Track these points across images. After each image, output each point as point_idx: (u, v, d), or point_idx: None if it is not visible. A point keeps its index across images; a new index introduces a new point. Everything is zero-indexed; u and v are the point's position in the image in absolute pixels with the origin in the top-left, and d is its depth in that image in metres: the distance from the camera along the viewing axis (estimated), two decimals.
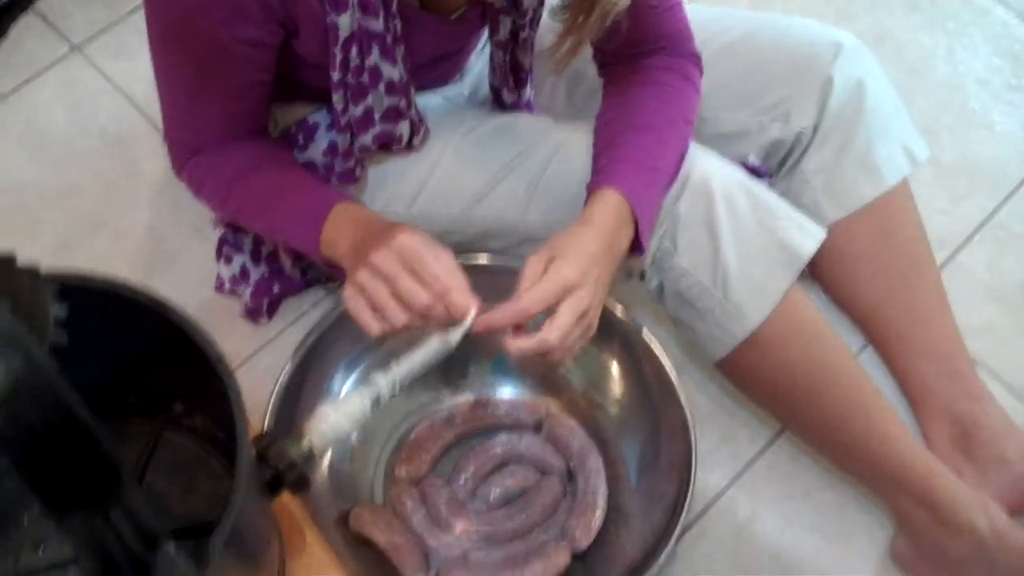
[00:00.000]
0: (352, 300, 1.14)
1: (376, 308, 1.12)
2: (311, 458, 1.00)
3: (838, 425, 1.37)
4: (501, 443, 1.45)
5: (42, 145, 1.74)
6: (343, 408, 1.04)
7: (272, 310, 1.58)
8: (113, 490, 0.57)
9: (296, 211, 1.26)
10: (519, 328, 1.14)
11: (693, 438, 1.36)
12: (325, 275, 1.58)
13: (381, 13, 1.17)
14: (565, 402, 1.50)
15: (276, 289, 1.56)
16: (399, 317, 1.12)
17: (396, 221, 1.20)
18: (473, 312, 1.12)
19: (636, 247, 1.24)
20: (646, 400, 1.44)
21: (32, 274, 0.59)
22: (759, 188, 1.33)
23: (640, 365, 1.44)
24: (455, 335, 1.12)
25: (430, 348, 1.10)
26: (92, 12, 1.83)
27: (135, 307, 0.76)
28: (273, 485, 0.94)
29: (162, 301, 0.75)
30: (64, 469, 0.54)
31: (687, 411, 1.37)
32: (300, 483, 0.97)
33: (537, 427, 1.47)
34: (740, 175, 1.34)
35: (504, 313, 1.12)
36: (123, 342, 0.79)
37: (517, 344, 1.13)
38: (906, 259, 1.49)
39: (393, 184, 1.39)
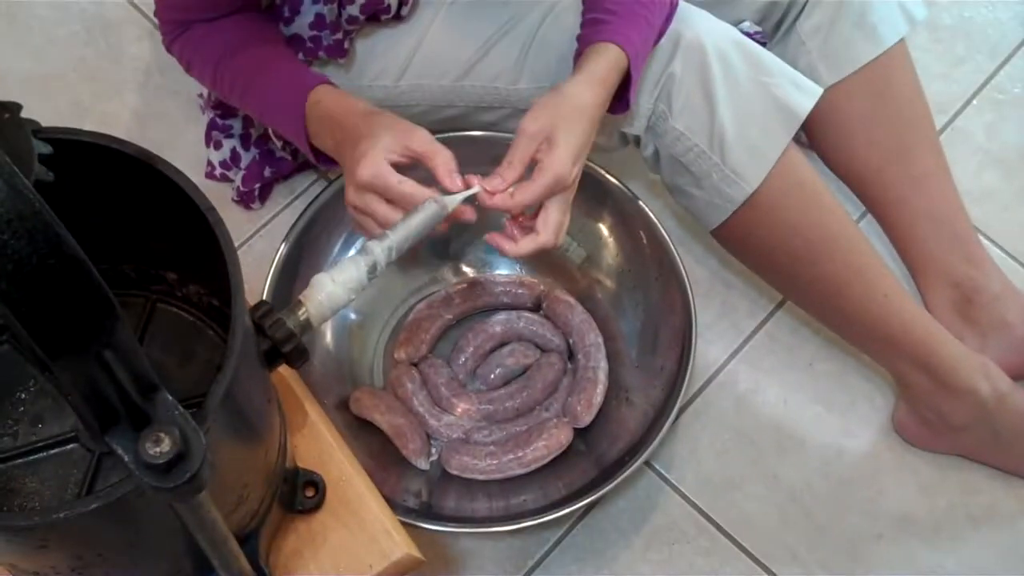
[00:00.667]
0: (353, 224, 1.20)
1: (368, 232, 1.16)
2: (309, 328, 0.98)
3: (837, 290, 1.36)
4: (500, 322, 1.44)
5: (22, 32, 1.70)
6: (339, 277, 1.01)
7: (264, 195, 1.56)
8: (108, 327, 0.55)
9: (277, 103, 1.26)
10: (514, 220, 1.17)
11: (693, 311, 1.35)
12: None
13: None
14: (563, 279, 1.48)
15: (267, 173, 1.53)
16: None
17: (360, 108, 1.20)
18: (475, 184, 1.12)
19: (621, 105, 1.22)
20: (644, 274, 1.43)
21: (13, 107, 0.57)
22: (754, 47, 1.30)
23: (638, 238, 1.42)
24: (451, 200, 1.10)
25: (426, 213, 1.08)
26: None
27: (124, 162, 0.73)
28: (271, 356, 0.93)
29: (152, 154, 0.73)
30: (56, 304, 0.52)
31: (687, 284, 1.36)
32: (298, 354, 0.95)
33: (536, 305, 1.46)
34: (734, 33, 1.30)
35: (496, 202, 1.13)
36: (114, 203, 0.77)
37: (517, 249, 1.16)
38: (904, 122, 1.47)
39: (381, 57, 1.35)
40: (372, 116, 1.18)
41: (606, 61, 1.17)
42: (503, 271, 1.49)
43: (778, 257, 1.36)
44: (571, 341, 1.43)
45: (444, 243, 1.48)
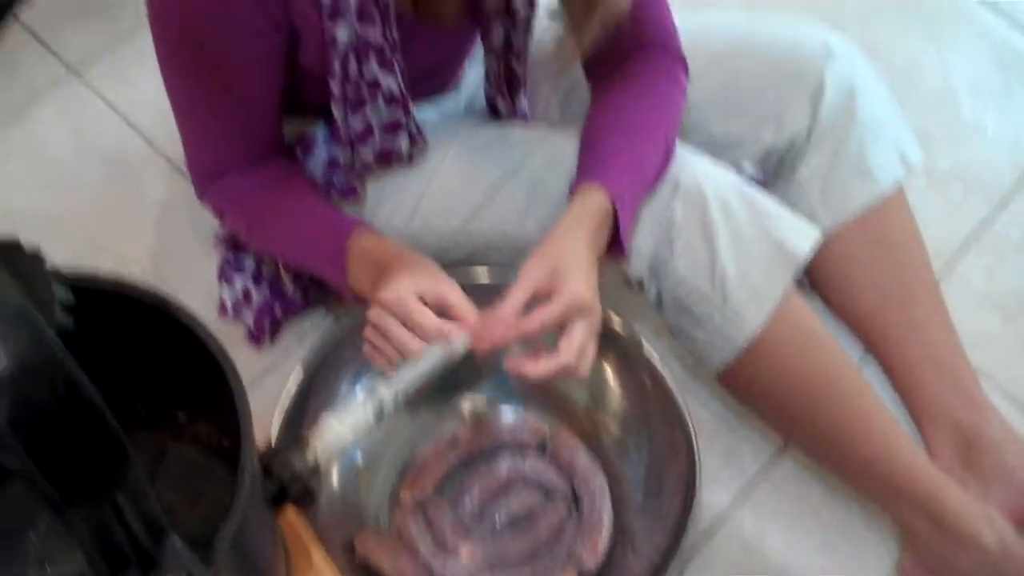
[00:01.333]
0: (369, 352, 1.20)
1: (379, 356, 1.18)
2: (316, 470, 0.99)
3: (840, 434, 1.37)
4: (505, 464, 1.44)
5: (42, 170, 1.74)
6: (347, 419, 1.03)
7: (275, 332, 1.58)
8: (121, 472, 0.57)
9: (314, 250, 1.30)
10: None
11: (697, 456, 1.35)
12: (326, 296, 1.59)
13: (378, 21, 1.18)
14: (567, 420, 1.49)
15: (278, 311, 1.56)
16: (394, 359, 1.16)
17: (401, 250, 1.23)
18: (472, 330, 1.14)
19: (616, 247, 1.25)
20: (649, 417, 1.44)
21: (37, 258, 0.59)
22: (752, 190, 1.34)
23: (642, 381, 1.43)
24: (459, 345, 1.12)
25: (433, 358, 1.10)
26: (86, 28, 1.84)
27: (140, 307, 0.76)
28: (278, 498, 0.94)
29: (167, 299, 0.75)
30: (73, 450, 0.54)
31: (691, 428, 1.36)
32: (305, 496, 0.96)
33: (541, 447, 1.47)
34: (732, 177, 1.34)
35: (510, 332, 1.13)
36: (128, 344, 0.79)
37: (537, 369, 1.14)
38: (903, 266, 1.50)
39: (392, 199, 1.39)
40: (412, 257, 1.21)
41: (592, 202, 1.21)
42: (509, 412, 1.50)
43: (781, 400, 1.38)
44: (576, 484, 1.43)
45: (451, 379, 1.49)
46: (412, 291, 1.14)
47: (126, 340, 0.79)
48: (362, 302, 1.25)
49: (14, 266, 0.57)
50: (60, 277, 0.62)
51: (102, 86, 1.80)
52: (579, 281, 1.15)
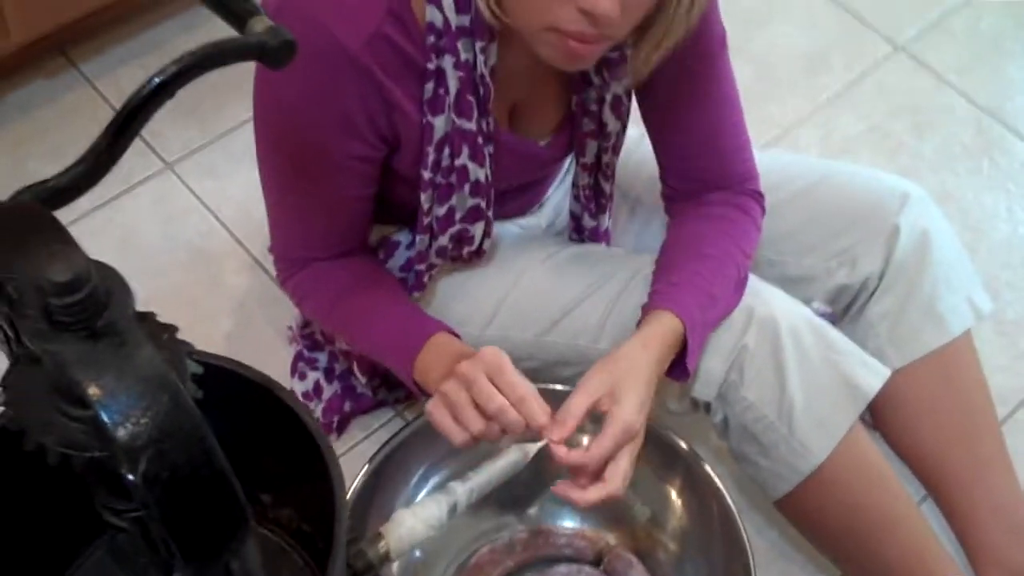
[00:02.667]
0: (435, 407, 1.20)
1: (455, 413, 1.18)
2: (387, 561, 1.02)
3: (895, 573, 1.37)
4: (560, 574, 1.46)
5: (130, 255, 1.80)
6: (420, 514, 1.06)
7: (342, 427, 1.61)
8: (240, 539, 0.59)
9: (393, 337, 1.32)
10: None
11: None
12: (395, 397, 1.62)
13: (474, 114, 1.23)
14: (625, 536, 1.50)
15: (347, 407, 1.59)
16: (475, 423, 1.17)
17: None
18: (549, 431, 1.16)
19: (681, 371, 1.28)
20: (708, 540, 1.44)
21: (171, 329, 0.63)
22: (824, 325, 1.36)
23: (706, 505, 1.44)
24: (533, 448, 1.15)
25: (508, 459, 1.13)
26: (185, 132, 1.92)
27: (244, 386, 0.79)
28: None
29: (272, 380, 0.79)
30: (201, 512, 0.57)
31: (749, 555, 1.37)
32: None
33: (596, 560, 1.48)
34: (806, 311, 1.37)
35: (573, 458, 1.18)
36: (233, 423, 0.82)
37: (585, 497, 1.19)
38: (968, 409, 1.51)
39: (467, 302, 1.43)
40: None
41: (660, 326, 1.25)
42: (567, 523, 1.51)
43: (838, 533, 1.39)
44: None
45: (512, 489, 1.51)
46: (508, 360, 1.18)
47: (231, 417, 0.82)
48: (422, 393, 1.28)
49: (152, 336, 0.61)
50: (189, 350, 0.65)
51: (193, 181, 1.87)
52: (632, 407, 1.19)
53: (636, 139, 1.55)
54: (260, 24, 0.83)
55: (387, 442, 1.42)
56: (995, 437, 1.52)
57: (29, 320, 0.60)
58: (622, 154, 1.51)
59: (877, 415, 1.54)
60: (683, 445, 1.44)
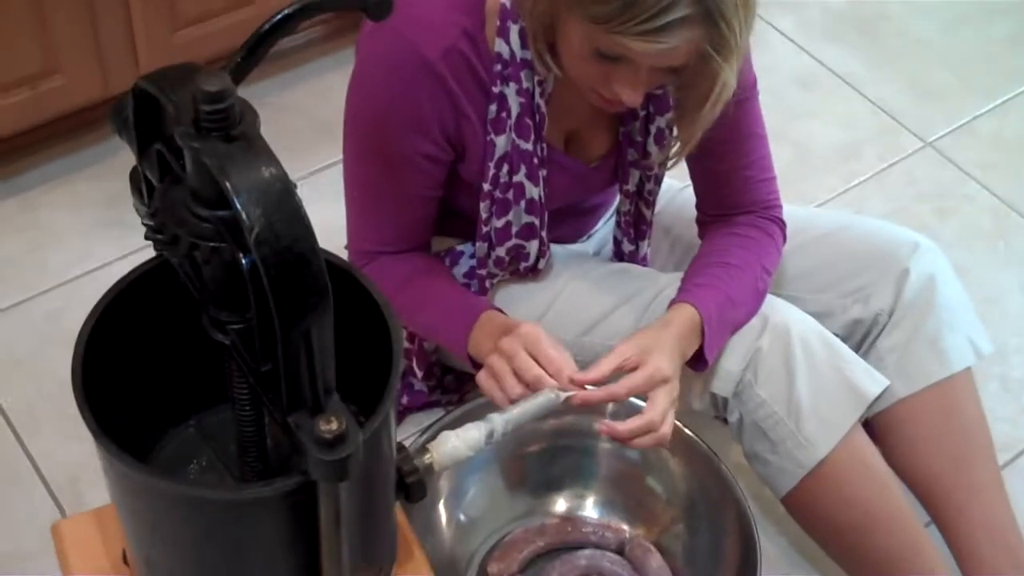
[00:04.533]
0: (484, 378, 1.40)
1: (499, 382, 1.36)
2: (431, 471, 1.18)
3: (891, 564, 1.51)
4: (585, 556, 1.61)
5: None
6: (463, 435, 1.22)
7: (398, 421, 1.79)
8: (322, 308, 0.80)
9: (448, 316, 1.51)
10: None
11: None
12: (447, 399, 1.80)
13: (532, 137, 1.44)
14: (648, 530, 1.65)
15: (404, 401, 1.77)
16: (516, 389, 1.35)
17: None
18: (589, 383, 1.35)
19: (700, 362, 1.46)
20: (723, 540, 1.59)
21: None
22: (832, 338, 1.53)
23: (721, 504, 1.59)
24: (564, 393, 1.32)
25: (542, 399, 1.29)
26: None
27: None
28: (397, 484, 1.13)
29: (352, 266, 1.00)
30: (295, 277, 0.77)
31: (758, 559, 1.51)
32: (418, 488, 1.14)
33: (619, 549, 1.63)
34: (815, 324, 1.54)
35: (602, 394, 1.35)
36: None
37: (627, 426, 1.36)
38: (966, 437, 1.64)
39: (520, 307, 1.61)
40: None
41: (679, 314, 1.44)
42: (595, 513, 1.67)
43: (839, 526, 1.53)
44: None
45: (547, 479, 1.67)
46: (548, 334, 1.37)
47: None
48: (476, 367, 1.46)
49: None
50: None
51: None
52: (664, 358, 1.37)
53: (678, 187, 1.77)
54: None
55: (439, 419, 1.60)
56: (990, 465, 1.65)
57: (182, 127, 0.80)
58: (667, 198, 1.73)
59: (882, 441, 1.67)
60: (709, 451, 1.60)
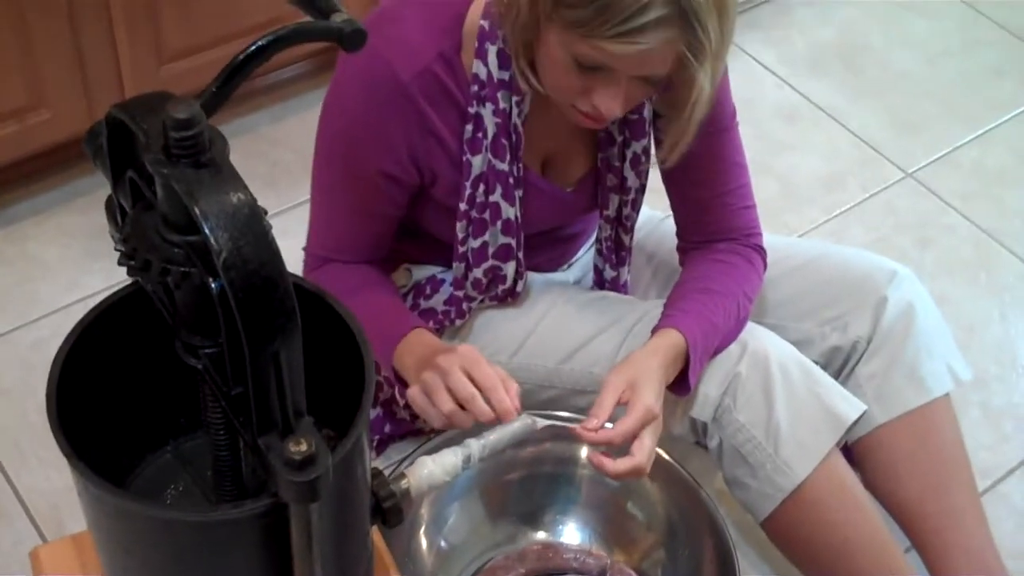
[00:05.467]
0: (416, 393, 1.41)
1: (431, 397, 1.37)
2: (407, 497, 1.19)
3: None
4: None
5: None
6: (439, 460, 1.23)
7: (380, 449, 1.80)
8: (290, 331, 0.81)
9: (379, 330, 1.50)
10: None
11: None
12: (431, 427, 1.80)
13: (508, 157, 1.46)
14: (629, 555, 1.66)
15: (387, 429, 1.78)
16: (447, 404, 1.36)
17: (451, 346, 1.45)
18: (586, 423, 1.37)
19: (683, 387, 1.48)
20: (703, 566, 1.60)
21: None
22: (810, 364, 1.55)
23: (700, 531, 1.60)
24: (541, 422, 1.33)
25: (518, 425, 1.30)
26: (265, 201, 2.12)
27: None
28: (374, 509, 1.14)
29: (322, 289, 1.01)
30: (263, 301, 0.79)
31: None
32: (395, 513, 1.16)
33: (600, 574, 1.63)
34: (793, 350, 1.55)
35: (599, 437, 1.36)
36: None
37: (616, 468, 1.37)
38: (943, 462, 1.65)
39: (499, 334, 1.62)
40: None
41: (665, 340, 1.46)
42: (576, 539, 1.68)
43: (817, 548, 1.54)
44: None
45: (528, 506, 1.68)
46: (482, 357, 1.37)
47: None
48: (397, 381, 1.49)
49: None
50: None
51: None
52: (651, 394, 1.39)
53: (660, 217, 1.78)
54: (339, 17, 1.06)
55: (419, 446, 1.61)
56: (968, 489, 1.66)
57: (152, 154, 0.82)
58: (648, 228, 1.75)
59: (862, 466, 1.69)
60: (689, 477, 1.61)
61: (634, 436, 1.38)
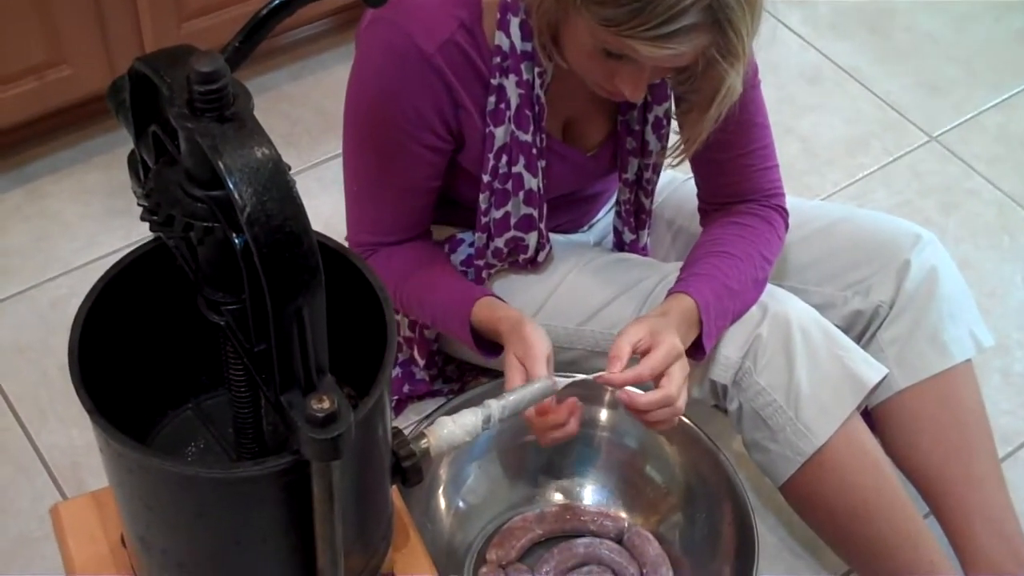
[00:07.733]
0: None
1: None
2: (427, 456, 1.19)
3: (888, 552, 1.51)
4: (584, 544, 1.62)
5: None
6: (459, 420, 1.23)
7: (399, 408, 1.80)
8: (314, 289, 0.80)
9: (447, 312, 1.53)
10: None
11: (756, 561, 1.51)
12: (449, 388, 1.81)
13: (531, 128, 1.44)
14: (647, 518, 1.66)
15: (406, 389, 1.78)
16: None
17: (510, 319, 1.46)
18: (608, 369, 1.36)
19: (698, 351, 1.47)
20: (721, 529, 1.60)
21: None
22: (831, 327, 1.54)
23: (720, 498, 1.60)
24: (562, 381, 1.32)
25: (539, 386, 1.30)
26: (286, 160, 2.15)
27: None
28: (394, 468, 1.14)
29: (345, 248, 1.00)
30: (287, 259, 0.78)
31: (756, 547, 1.52)
32: (415, 472, 1.15)
33: (618, 537, 1.64)
34: (815, 313, 1.54)
35: (626, 376, 1.36)
36: None
37: (647, 398, 1.37)
38: (965, 427, 1.64)
39: (520, 296, 1.62)
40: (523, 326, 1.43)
41: (677, 304, 1.45)
42: (592, 502, 1.68)
43: (836, 515, 1.54)
44: (644, 571, 1.59)
45: (548, 467, 1.68)
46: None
47: None
48: (478, 348, 1.51)
49: None
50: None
51: None
52: (673, 336, 1.38)
53: (681, 179, 1.77)
54: None
55: (439, 407, 1.61)
56: (989, 456, 1.65)
57: (176, 108, 0.81)
58: (669, 190, 1.74)
59: (882, 431, 1.68)
60: (708, 440, 1.61)
61: (662, 373, 1.37)
